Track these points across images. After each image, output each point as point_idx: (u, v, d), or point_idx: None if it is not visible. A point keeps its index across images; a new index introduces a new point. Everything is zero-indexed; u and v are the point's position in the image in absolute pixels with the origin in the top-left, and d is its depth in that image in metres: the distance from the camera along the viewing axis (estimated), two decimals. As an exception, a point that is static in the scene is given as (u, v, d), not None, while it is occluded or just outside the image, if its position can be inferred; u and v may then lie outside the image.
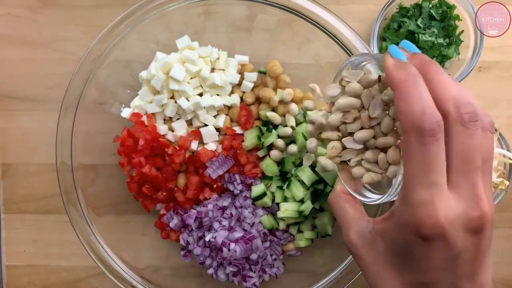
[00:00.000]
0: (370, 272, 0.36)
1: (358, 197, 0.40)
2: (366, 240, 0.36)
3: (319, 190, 0.54)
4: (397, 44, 0.36)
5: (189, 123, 0.56)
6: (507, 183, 0.56)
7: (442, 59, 0.57)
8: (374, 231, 0.36)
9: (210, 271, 0.56)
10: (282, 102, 0.55)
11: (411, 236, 0.32)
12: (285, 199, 0.54)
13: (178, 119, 0.56)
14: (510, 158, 0.56)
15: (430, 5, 0.57)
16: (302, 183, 0.53)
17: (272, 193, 0.55)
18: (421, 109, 0.30)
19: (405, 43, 0.35)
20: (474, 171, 0.31)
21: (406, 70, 0.32)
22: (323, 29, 0.52)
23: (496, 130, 0.56)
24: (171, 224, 0.56)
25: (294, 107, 0.54)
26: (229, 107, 0.56)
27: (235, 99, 0.55)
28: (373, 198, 0.39)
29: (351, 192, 0.41)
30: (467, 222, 0.31)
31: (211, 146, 0.55)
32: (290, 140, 0.55)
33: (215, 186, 0.56)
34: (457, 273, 0.32)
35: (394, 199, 0.35)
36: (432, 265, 0.32)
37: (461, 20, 0.57)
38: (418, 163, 0.31)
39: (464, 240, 0.31)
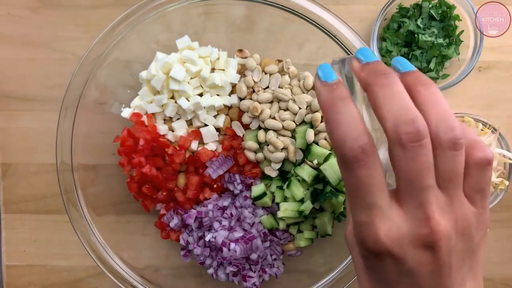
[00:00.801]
0: (357, 270, 0.35)
1: None
2: (353, 243, 0.35)
3: (319, 190, 0.54)
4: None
5: (189, 123, 0.56)
6: (507, 183, 0.56)
7: (442, 59, 0.57)
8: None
9: (210, 271, 0.56)
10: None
11: (363, 252, 0.32)
12: (285, 199, 0.54)
13: (178, 119, 0.56)
14: (510, 158, 0.56)
15: (430, 5, 0.57)
16: (302, 182, 0.53)
17: (272, 193, 0.55)
18: (341, 136, 0.29)
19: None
20: (422, 191, 0.30)
21: (331, 95, 0.31)
22: (323, 29, 0.52)
23: (495, 129, 0.56)
24: (171, 224, 0.56)
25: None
26: (229, 107, 0.56)
27: (235, 99, 0.55)
28: None
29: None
30: (415, 239, 0.30)
31: (211, 146, 0.55)
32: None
33: (215, 186, 0.56)
34: (420, 286, 0.32)
35: None
36: (390, 279, 0.32)
37: (461, 20, 0.57)
38: (352, 187, 0.30)
39: (415, 255, 0.31)
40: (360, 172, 0.30)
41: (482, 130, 0.56)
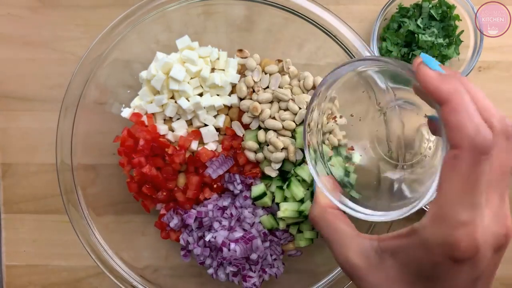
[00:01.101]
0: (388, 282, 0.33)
1: (354, 213, 0.36)
2: (370, 260, 0.33)
3: (319, 190, 0.54)
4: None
5: (189, 123, 0.56)
6: None
7: (442, 59, 0.57)
8: (381, 249, 0.33)
9: (210, 271, 0.56)
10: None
11: (440, 257, 0.30)
12: (285, 199, 0.54)
13: (178, 119, 0.56)
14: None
15: (430, 5, 0.57)
16: (302, 182, 0.53)
17: (272, 193, 0.55)
18: (476, 125, 0.29)
19: (426, 58, 0.33)
20: (505, 187, 0.30)
21: (454, 83, 0.30)
22: (323, 29, 0.52)
23: None
24: (171, 224, 0.56)
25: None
26: (229, 107, 0.56)
27: (235, 99, 0.55)
28: (376, 214, 0.36)
29: (340, 206, 0.37)
30: (496, 240, 0.30)
31: (211, 146, 0.55)
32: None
33: (215, 186, 0.56)
34: None
35: (406, 215, 0.33)
36: (455, 286, 0.31)
37: (461, 20, 0.57)
38: (465, 182, 0.28)
39: (489, 259, 0.30)
40: (484, 166, 0.28)
41: None
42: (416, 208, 0.33)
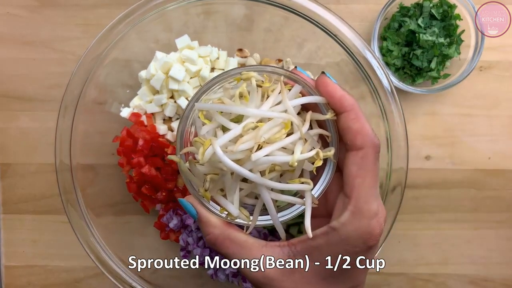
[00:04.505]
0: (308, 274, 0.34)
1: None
2: (284, 267, 0.34)
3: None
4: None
5: (189, 123, 0.56)
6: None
7: (443, 58, 0.57)
8: (295, 253, 0.34)
9: (210, 271, 0.55)
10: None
11: (359, 248, 0.33)
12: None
13: (177, 119, 0.56)
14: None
15: (431, 5, 0.57)
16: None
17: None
18: (372, 129, 0.34)
19: (327, 74, 0.37)
20: None
21: (351, 96, 0.35)
22: (323, 28, 0.51)
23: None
24: (171, 225, 0.56)
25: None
26: (229, 107, 0.56)
27: (235, 99, 0.55)
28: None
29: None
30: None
31: (211, 146, 0.55)
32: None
33: (215, 186, 0.55)
34: None
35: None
36: (365, 271, 0.35)
37: (461, 19, 0.57)
38: (374, 176, 0.34)
39: None
40: (379, 161, 0.35)
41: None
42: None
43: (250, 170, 0.33)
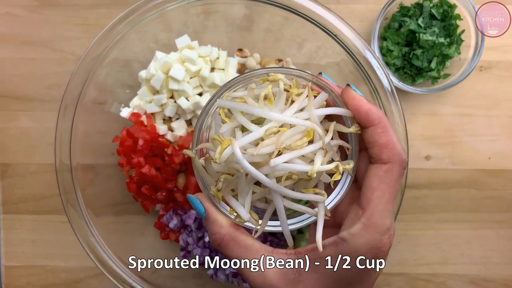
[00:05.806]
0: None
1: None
2: (289, 276, 0.33)
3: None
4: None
5: (189, 123, 0.56)
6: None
7: (443, 58, 0.57)
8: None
9: (210, 272, 0.55)
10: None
11: (369, 261, 0.32)
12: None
13: (177, 119, 0.56)
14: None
15: (431, 5, 0.57)
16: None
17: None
18: (400, 144, 0.34)
19: (352, 86, 0.36)
20: None
21: (378, 108, 0.34)
22: (324, 28, 0.51)
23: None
24: (171, 225, 0.56)
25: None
26: (229, 107, 0.56)
27: (235, 99, 0.55)
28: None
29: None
30: None
31: (211, 146, 0.55)
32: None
33: (214, 186, 0.55)
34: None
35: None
36: (372, 283, 0.34)
37: (462, 19, 0.57)
38: (394, 192, 0.33)
39: None
40: (402, 179, 0.34)
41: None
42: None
43: (266, 175, 0.32)
